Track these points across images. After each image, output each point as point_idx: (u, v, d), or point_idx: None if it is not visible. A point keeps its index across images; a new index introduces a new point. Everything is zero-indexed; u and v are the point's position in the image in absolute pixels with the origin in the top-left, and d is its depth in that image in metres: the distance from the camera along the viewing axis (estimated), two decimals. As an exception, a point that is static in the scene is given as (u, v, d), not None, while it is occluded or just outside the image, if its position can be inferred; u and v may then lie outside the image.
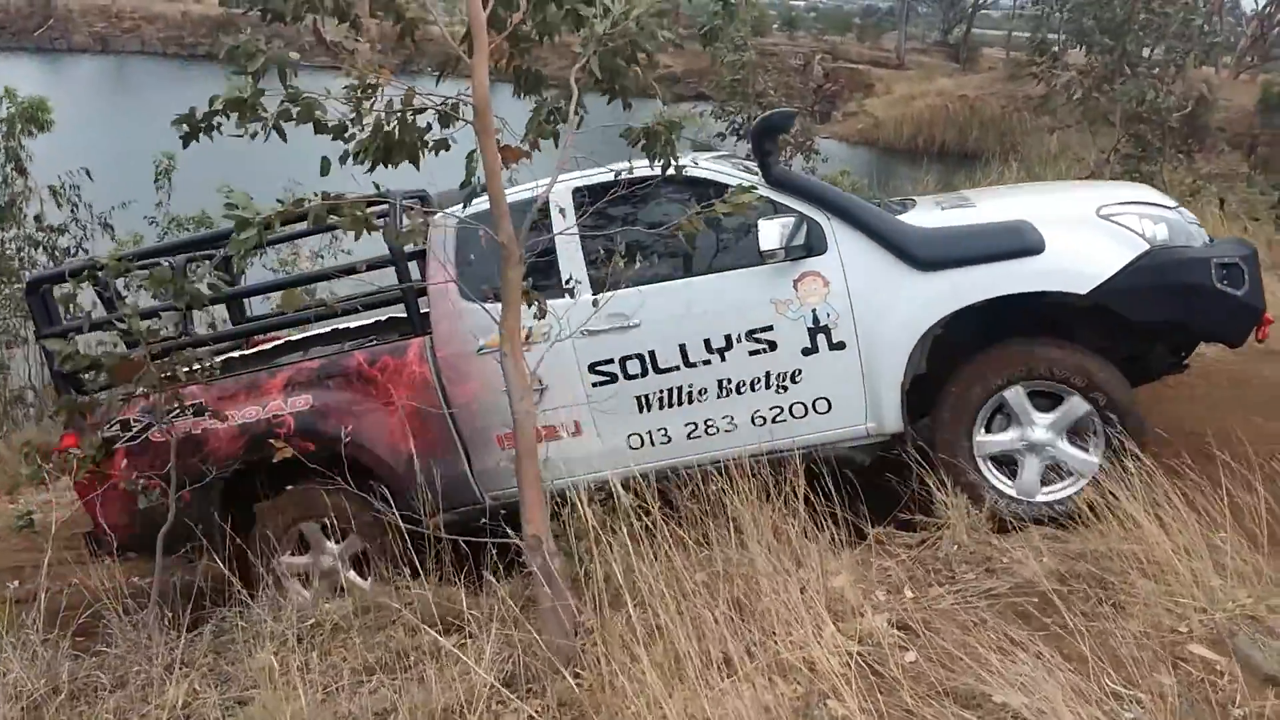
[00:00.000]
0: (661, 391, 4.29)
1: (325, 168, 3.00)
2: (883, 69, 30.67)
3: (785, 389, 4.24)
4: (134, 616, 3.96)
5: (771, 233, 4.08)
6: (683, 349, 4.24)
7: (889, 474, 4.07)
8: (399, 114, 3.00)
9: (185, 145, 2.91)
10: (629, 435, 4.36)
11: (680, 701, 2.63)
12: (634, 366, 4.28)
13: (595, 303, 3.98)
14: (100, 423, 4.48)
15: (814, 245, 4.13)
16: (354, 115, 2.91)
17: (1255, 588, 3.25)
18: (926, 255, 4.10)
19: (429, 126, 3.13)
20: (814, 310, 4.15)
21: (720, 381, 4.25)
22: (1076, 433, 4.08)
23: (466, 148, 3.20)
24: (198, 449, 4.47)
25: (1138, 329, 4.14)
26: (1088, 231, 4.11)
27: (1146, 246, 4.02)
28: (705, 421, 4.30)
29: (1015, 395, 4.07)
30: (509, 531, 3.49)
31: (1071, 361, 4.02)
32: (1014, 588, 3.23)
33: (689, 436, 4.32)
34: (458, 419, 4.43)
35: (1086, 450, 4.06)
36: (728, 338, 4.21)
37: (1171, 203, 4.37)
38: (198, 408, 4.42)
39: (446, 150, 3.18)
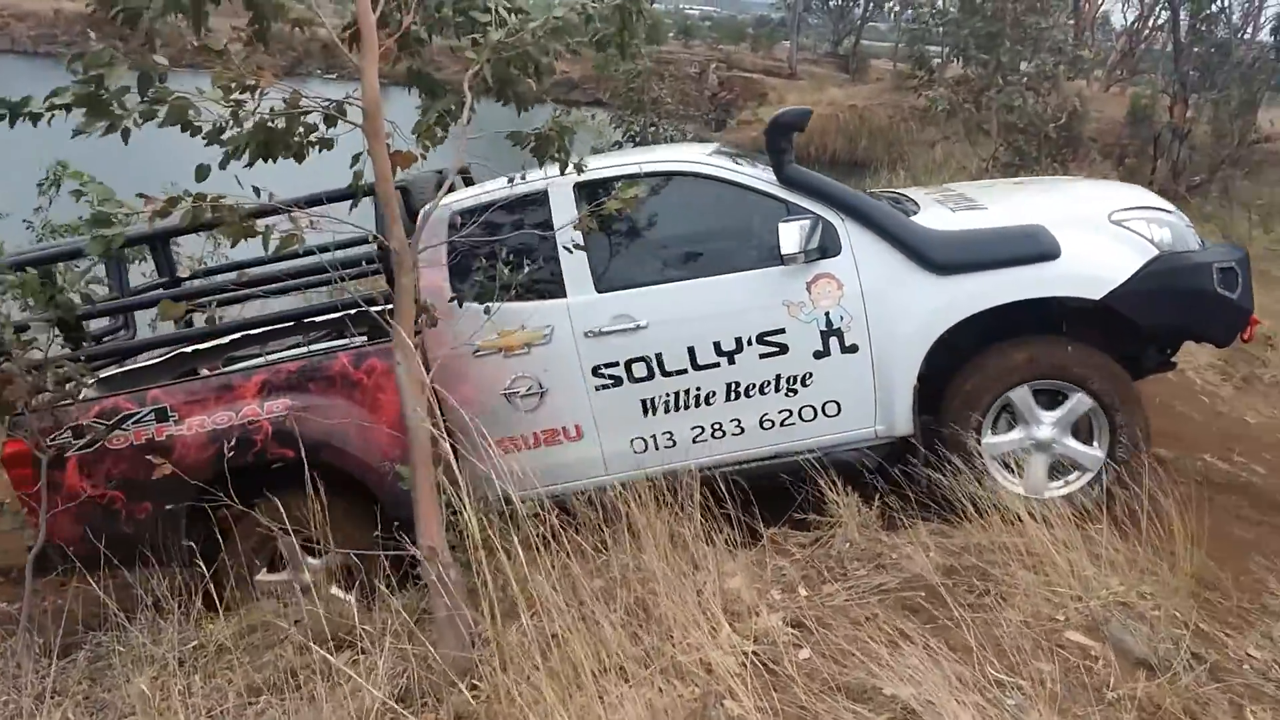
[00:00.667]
0: (668, 395, 4.20)
1: (202, 173, 2.88)
2: (776, 78, 31.24)
3: (795, 392, 4.20)
4: (2, 644, 3.74)
5: (792, 235, 4.03)
6: (691, 351, 4.16)
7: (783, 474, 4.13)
8: (283, 114, 2.91)
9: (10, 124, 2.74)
10: (633, 439, 4.25)
11: (576, 710, 2.62)
12: (640, 369, 4.18)
13: (487, 311, 3.88)
14: (51, 430, 4.11)
15: (828, 247, 4.09)
16: (230, 118, 2.80)
17: (1127, 576, 3.42)
18: (943, 259, 4.11)
19: (315, 126, 3.04)
20: (827, 313, 4.12)
21: (729, 385, 4.19)
22: (1080, 428, 4.21)
23: (355, 149, 3.13)
24: (162, 457, 4.10)
25: (1142, 330, 4.23)
26: (1101, 237, 4.18)
27: (1156, 252, 4.13)
28: (712, 425, 4.23)
29: (1021, 394, 4.16)
30: (406, 542, 3.40)
31: (1078, 359, 4.13)
32: (903, 582, 3.32)
33: (695, 440, 4.24)
34: (449, 425, 4.15)
35: (1091, 444, 4.20)
36: (738, 340, 4.14)
37: (1170, 206, 4.49)
38: (160, 412, 4.12)
39: (330, 149, 3.08)
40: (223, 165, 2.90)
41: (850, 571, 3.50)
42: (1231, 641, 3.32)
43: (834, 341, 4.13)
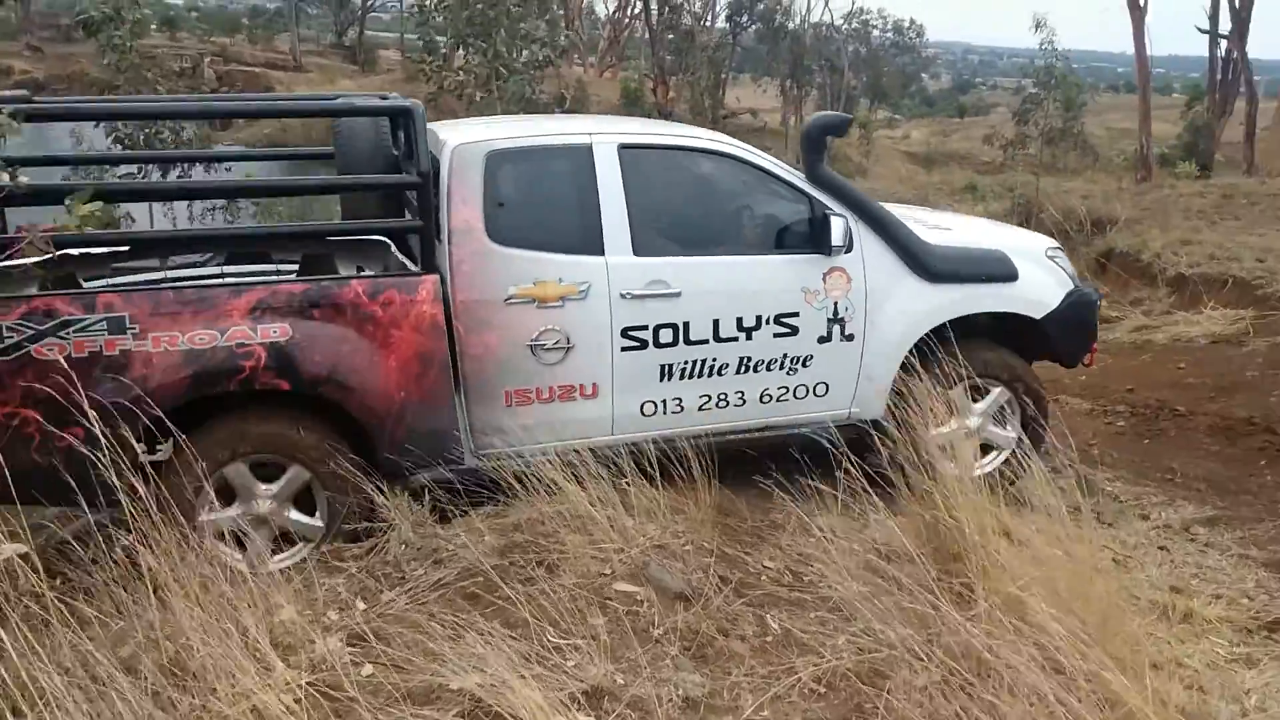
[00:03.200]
0: (686, 362, 4.36)
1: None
2: (281, 71, 29.84)
3: (795, 371, 4.55)
4: None
5: (840, 229, 4.39)
6: (715, 324, 4.35)
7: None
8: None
9: None
10: (644, 402, 4.36)
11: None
12: (666, 335, 4.30)
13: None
14: None
15: (847, 244, 4.46)
16: None
17: (660, 520, 3.73)
18: (937, 269, 4.70)
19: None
20: (836, 303, 4.53)
21: (743, 359, 4.44)
22: (997, 416, 4.93)
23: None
24: (114, 374, 3.52)
25: (1053, 346, 5.10)
26: (1040, 269, 5.05)
27: (1072, 285, 5.09)
28: (719, 395, 4.45)
29: (958, 390, 4.71)
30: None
31: (1001, 361, 4.89)
32: (461, 573, 3.32)
33: (700, 408, 4.44)
34: (465, 370, 4.05)
35: (1006, 428, 4.94)
36: (758, 318, 4.42)
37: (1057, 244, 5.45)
38: (115, 322, 3.51)
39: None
40: None
41: (409, 573, 3.43)
42: (750, 559, 3.78)
43: (836, 329, 4.56)
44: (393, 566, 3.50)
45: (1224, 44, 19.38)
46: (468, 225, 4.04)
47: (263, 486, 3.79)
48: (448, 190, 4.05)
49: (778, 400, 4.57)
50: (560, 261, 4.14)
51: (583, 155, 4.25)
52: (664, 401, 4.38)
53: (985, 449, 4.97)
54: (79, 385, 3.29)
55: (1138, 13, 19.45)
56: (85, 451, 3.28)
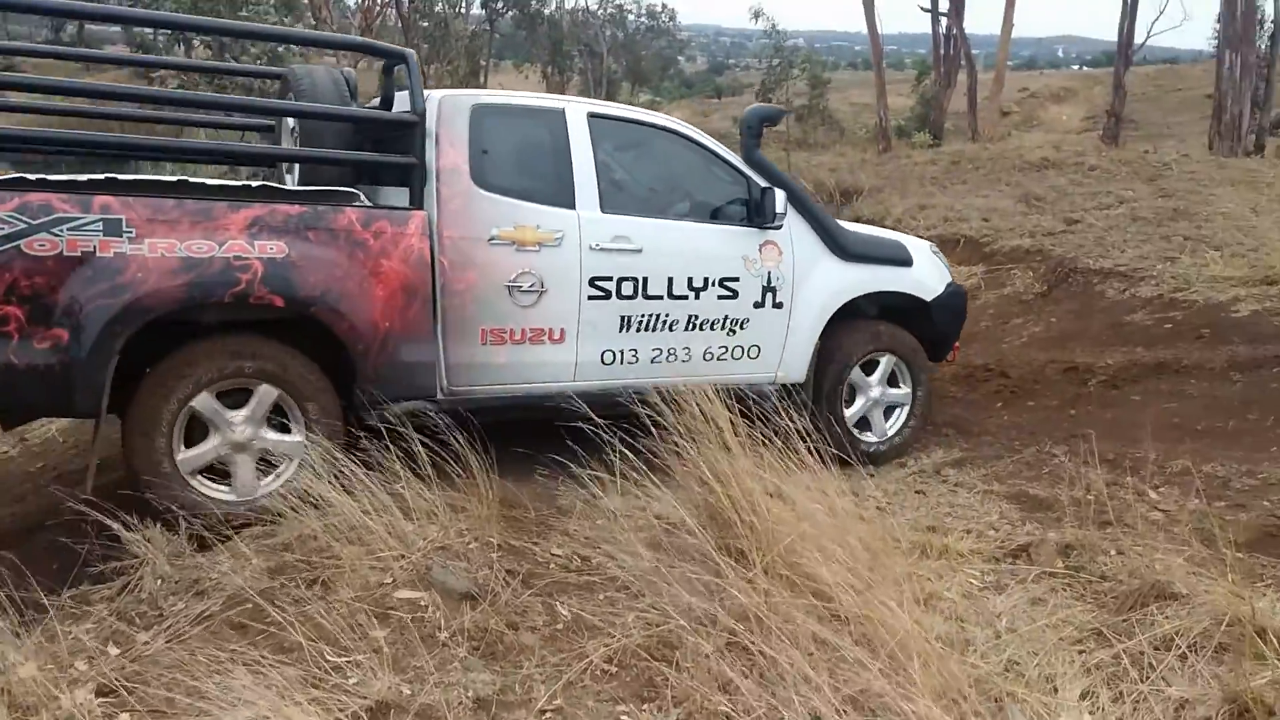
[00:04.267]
0: (643, 315, 4.76)
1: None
2: (-9, 71, 26.76)
3: (734, 333, 5.03)
4: None
5: (781, 200, 4.92)
6: (670, 281, 4.79)
7: (64, 537, 3.58)
8: None
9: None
10: (603, 351, 4.71)
11: None
12: (628, 288, 4.69)
13: None
14: None
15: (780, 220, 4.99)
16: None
17: (441, 521, 3.63)
18: (853, 250, 5.38)
19: None
20: (769, 272, 5.06)
21: (690, 316, 4.88)
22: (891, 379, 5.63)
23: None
24: (108, 278, 3.51)
25: (935, 329, 5.75)
26: (929, 261, 5.83)
27: (949, 279, 5.92)
28: (669, 349, 4.87)
29: (888, 360, 5.55)
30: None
31: (890, 332, 5.57)
32: (226, 602, 3.09)
33: (652, 361, 4.83)
34: (446, 305, 4.29)
35: (900, 386, 5.63)
36: (706, 280, 4.88)
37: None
38: (112, 224, 3.54)
39: None
40: None
41: (167, 609, 3.16)
42: (538, 548, 3.74)
43: (769, 296, 5.08)
44: (148, 604, 3.22)
45: (944, 21, 21.05)
46: (455, 167, 4.35)
47: (233, 413, 3.88)
48: (435, 135, 4.33)
49: (718, 359, 5.03)
50: (538, 210, 4.50)
51: (557, 117, 4.67)
52: (621, 352, 4.76)
53: (888, 411, 5.69)
54: (68, 285, 3.41)
55: (868, -6, 20.79)
56: (64, 356, 3.39)
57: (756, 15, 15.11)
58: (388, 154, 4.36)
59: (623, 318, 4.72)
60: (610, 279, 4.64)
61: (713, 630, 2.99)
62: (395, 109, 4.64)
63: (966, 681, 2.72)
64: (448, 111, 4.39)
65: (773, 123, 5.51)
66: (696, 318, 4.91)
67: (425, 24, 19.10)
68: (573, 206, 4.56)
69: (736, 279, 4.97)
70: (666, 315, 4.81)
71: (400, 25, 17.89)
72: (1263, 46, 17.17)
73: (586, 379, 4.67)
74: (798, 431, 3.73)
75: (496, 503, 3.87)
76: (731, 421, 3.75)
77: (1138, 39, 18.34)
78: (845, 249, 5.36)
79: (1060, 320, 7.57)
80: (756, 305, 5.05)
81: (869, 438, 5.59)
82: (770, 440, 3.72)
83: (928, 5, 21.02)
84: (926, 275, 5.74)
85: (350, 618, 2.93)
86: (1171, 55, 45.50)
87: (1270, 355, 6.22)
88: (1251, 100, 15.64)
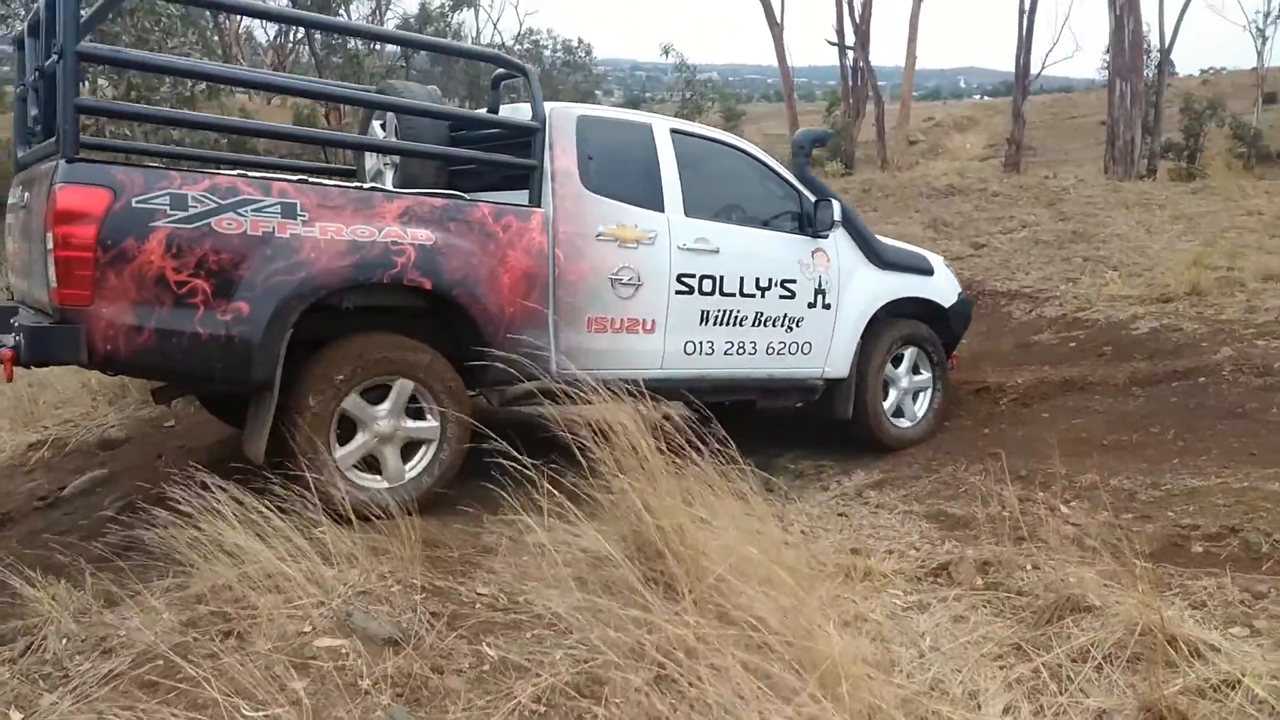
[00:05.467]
0: (720, 310, 5.29)
1: None
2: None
3: (791, 329, 5.61)
4: None
5: (837, 210, 5.65)
6: (741, 280, 5.36)
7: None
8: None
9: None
10: (686, 342, 5.21)
11: None
12: (707, 285, 5.23)
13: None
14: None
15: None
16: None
17: (362, 564, 3.54)
18: (886, 259, 6.12)
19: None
20: (820, 276, 5.70)
21: (757, 313, 5.45)
22: (914, 367, 6.42)
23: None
24: (285, 256, 3.89)
25: (953, 334, 6.66)
26: (945, 271, 6.69)
27: (960, 289, 6.77)
28: (738, 343, 5.41)
29: (911, 352, 6.38)
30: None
31: (913, 328, 6.32)
32: (136, 659, 2.96)
33: (725, 353, 5.38)
34: (559, 295, 4.70)
35: (923, 373, 6.44)
36: (770, 280, 5.47)
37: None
38: (288, 207, 3.93)
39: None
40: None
41: (73, 670, 3.02)
42: (463, 588, 3.68)
43: (820, 298, 5.70)
44: (53, 665, 3.07)
45: (851, 55, 21.63)
46: (567, 171, 4.82)
47: (376, 409, 4.31)
48: (550, 142, 4.79)
49: (777, 354, 5.59)
50: (635, 211, 5.01)
51: (646, 131, 5.26)
52: (701, 343, 5.27)
53: (915, 395, 6.46)
54: (250, 262, 3.79)
55: (776, 28, 21.32)
56: (246, 328, 3.78)
57: (666, 51, 15.36)
58: (516, 157, 4.84)
59: (703, 312, 5.25)
60: (694, 276, 5.19)
61: (641, 665, 2.97)
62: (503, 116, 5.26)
63: (893, 703, 2.76)
64: (559, 121, 4.87)
65: (822, 144, 6.69)
66: (762, 314, 5.48)
67: (338, 59, 18.89)
68: (662, 210, 5.11)
69: (794, 281, 5.60)
70: (738, 311, 5.37)
71: (313, 62, 17.67)
72: (1150, 75, 18.05)
73: (671, 368, 5.18)
74: (725, 458, 3.75)
75: (419, 543, 3.79)
76: (660, 450, 3.75)
77: (1034, 69, 19.11)
78: (881, 258, 6.11)
79: (971, 341, 7.77)
80: (810, 305, 5.68)
81: (903, 423, 6.36)
82: (696, 464, 3.73)
83: (835, 39, 21.59)
84: (945, 284, 6.62)
85: (268, 670, 2.83)
86: (1066, 84, 47.51)
87: (1168, 370, 6.48)
88: (1142, 126, 16.41)
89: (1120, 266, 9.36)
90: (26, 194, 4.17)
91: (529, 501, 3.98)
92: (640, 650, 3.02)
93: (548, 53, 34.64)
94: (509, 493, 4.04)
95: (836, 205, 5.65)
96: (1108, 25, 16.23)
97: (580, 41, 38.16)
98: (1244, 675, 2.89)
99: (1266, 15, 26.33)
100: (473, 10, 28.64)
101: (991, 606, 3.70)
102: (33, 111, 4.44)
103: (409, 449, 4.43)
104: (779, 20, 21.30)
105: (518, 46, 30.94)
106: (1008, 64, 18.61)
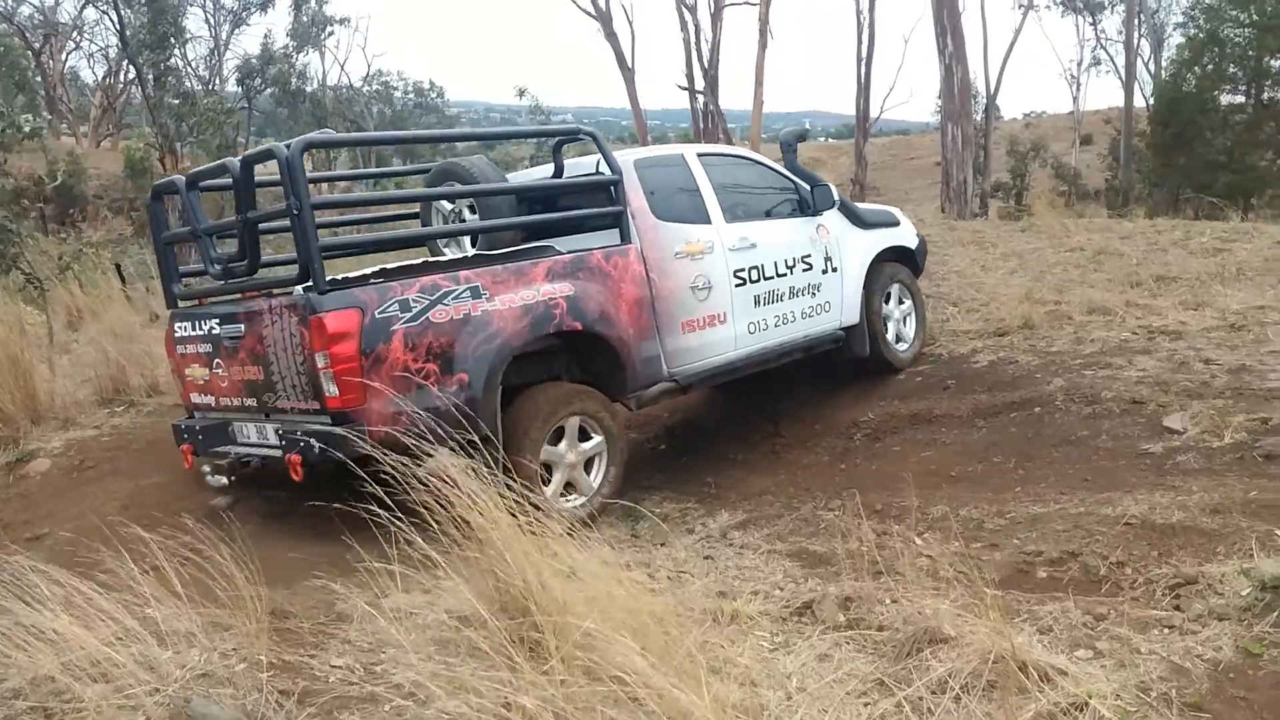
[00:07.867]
0: (767, 293, 6.47)
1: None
2: None
3: (814, 295, 6.86)
4: None
5: (835, 191, 7.08)
6: (776, 264, 6.55)
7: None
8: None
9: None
10: (749, 323, 6.36)
11: None
12: (754, 275, 6.40)
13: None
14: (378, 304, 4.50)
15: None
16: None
17: (202, 642, 3.30)
18: (866, 220, 7.54)
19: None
20: (825, 245, 7.02)
21: (791, 287, 6.66)
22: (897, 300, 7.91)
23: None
24: (483, 329, 4.80)
25: (918, 271, 8.19)
26: (905, 220, 8.21)
27: (917, 235, 8.25)
28: (784, 314, 6.61)
29: (896, 290, 7.86)
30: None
31: (896, 269, 7.84)
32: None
33: (775, 326, 6.55)
34: (658, 309, 5.80)
35: (904, 303, 7.94)
36: (795, 258, 6.71)
37: None
38: (474, 289, 4.84)
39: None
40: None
41: None
42: (315, 661, 3.47)
43: (828, 264, 7.00)
44: None
45: (702, 99, 22.23)
46: (641, 208, 5.85)
47: (560, 447, 5.32)
48: (623, 187, 5.76)
49: (809, 317, 6.84)
50: (693, 229, 6.10)
51: (681, 160, 6.38)
52: (758, 322, 6.43)
53: (905, 321, 7.95)
54: (460, 340, 4.71)
55: (628, 72, 21.72)
56: (470, 393, 4.69)
57: (521, 92, 15.46)
58: (604, 206, 5.77)
59: (755, 297, 6.41)
60: (744, 269, 6.33)
61: (507, 731, 2.86)
62: (566, 174, 6.21)
63: (763, 751, 2.73)
64: (624, 169, 5.82)
65: (803, 139, 7.82)
66: (794, 288, 6.70)
67: (175, 101, 18.10)
68: (710, 222, 6.21)
69: (809, 255, 6.84)
70: (778, 289, 6.56)
71: (145, 103, 16.86)
72: (979, 119, 19.24)
73: (741, 348, 6.32)
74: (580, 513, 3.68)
75: (266, 616, 3.56)
76: (519, 503, 3.65)
77: (873, 113, 20.09)
78: (864, 220, 7.49)
79: (824, 378, 7.98)
80: (824, 272, 6.94)
81: (901, 347, 7.84)
82: (543, 517, 3.65)
83: (685, 84, 22.15)
84: (909, 231, 8.11)
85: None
86: (904, 127, 50.20)
87: (1007, 402, 6.80)
88: (974, 167, 17.45)
89: (960, 302, 9.82)
90: (242, 326, 4.89)
91: (385, 560, 3.82)
92: (505, 717, 2.91)
93: (398, 94, 34.24)
94: (365, 554, 3.86)
95: (833, 188, 7.01)
96: (939, 73, 17.25)
97: (432, 84, 37.93)
98: (1090, 697, 3.00)
99: (1079, 64, 28.52)
100: (318, 52, 27.98)
101: (854, 643, 3.74)
102: (212, 253, 5.21)
103: (586, 465, 5.48)
104: (630, 65, 21.74)
105: (366, 89, 30.45)
106: (850, 108, 19.49)
